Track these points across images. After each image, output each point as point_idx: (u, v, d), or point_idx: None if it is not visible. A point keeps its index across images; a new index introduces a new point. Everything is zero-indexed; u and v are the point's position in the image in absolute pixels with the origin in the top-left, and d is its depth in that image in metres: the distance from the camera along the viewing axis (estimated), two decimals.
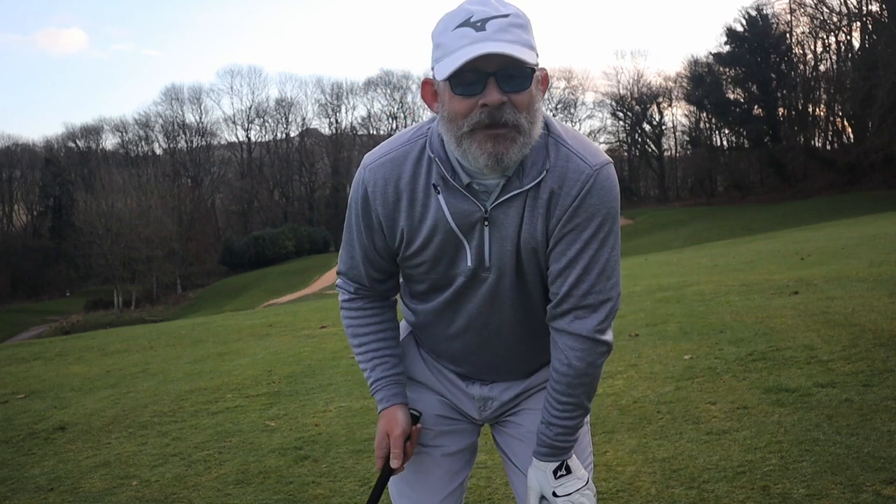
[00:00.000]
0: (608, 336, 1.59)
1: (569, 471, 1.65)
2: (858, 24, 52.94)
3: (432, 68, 1.47)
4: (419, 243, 1.59)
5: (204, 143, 76.20)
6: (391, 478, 1.87)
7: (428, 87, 1.52)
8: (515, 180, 1.51)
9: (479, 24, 1.40)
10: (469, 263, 1.59)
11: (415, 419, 1.73)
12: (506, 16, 1.41)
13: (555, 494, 1.64)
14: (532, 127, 1.46)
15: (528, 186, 1.51)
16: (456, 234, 1.56)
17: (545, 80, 1.53)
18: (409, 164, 1.57)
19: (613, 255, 1.56)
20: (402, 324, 1.87)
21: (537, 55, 1.45)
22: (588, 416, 1.77)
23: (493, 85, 1.40)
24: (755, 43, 56.61)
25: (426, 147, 1.56)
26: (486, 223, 1.54)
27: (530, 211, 1.53)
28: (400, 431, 1.66)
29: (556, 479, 1.64)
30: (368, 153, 1.64)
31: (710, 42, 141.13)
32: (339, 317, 1.81)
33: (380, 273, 1.71)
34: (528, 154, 1.50)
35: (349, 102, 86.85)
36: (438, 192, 1.54)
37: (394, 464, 1.65)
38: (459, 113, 1.44)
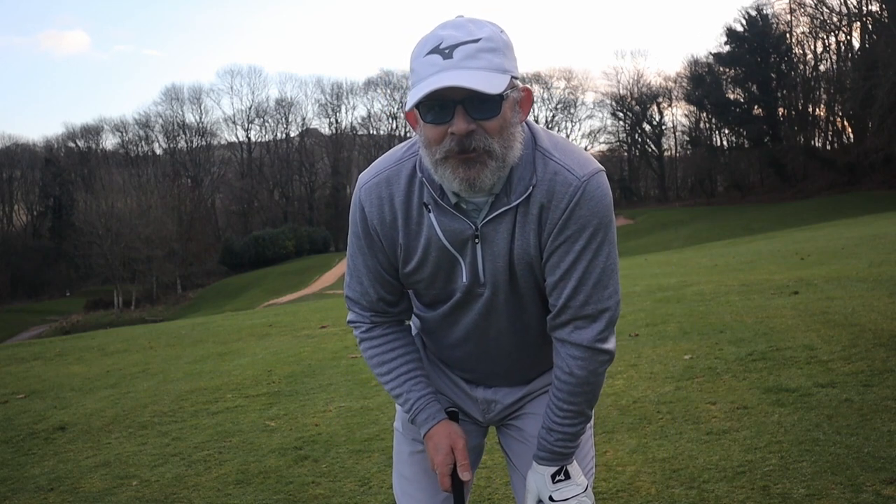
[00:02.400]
0: (609, 345, 1.58)
1: (567, 476, 1.64)
2: (858, 24, 52.96)
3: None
4: (417, 260, 1.60)
5: (204, 143, 76.25)
6: (395, 477, 1.87)
7: (411, 110, 1.52)
8: (503, 197, 1.51)
9: (447, 50, 1.38)
10: (464, 280, 1.59)
11: (454, 415, 1.71)
12: (476, 41, 1.39)
13: (551, 499, 1.63)
14: (507, 151, 1.45)
15: (516, 202, 1.51)
16: (450, 251, 1.57)
17: (527, 99, 1.50)
18: (403, 182, 1.57)
19: (609, 264, 1.54)
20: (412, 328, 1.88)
21: (515, 76, 1.44)
22: (591, 422, 1.78)
23: (461, 114, 1.39)
24: (755, 43, 56.59)
25: (416, 166, 1.56)
26: (477, 240, 1.55)
27: (521, 226, 1.53)
28: (464, 442, 1.65)
29: (553, 483, 1.64)
30: (363, 172, 1.64)
31: (710, 42, 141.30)
32: (340, 318, 1.81)
33: (391, 294, 1.69)
34: (515, 170, 1.50)
35: (349, 102, 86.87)
36: (430, 211, 1.55)
37: (466, 476, 1.64)
38: (432, 139, 1.44)
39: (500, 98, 1.40)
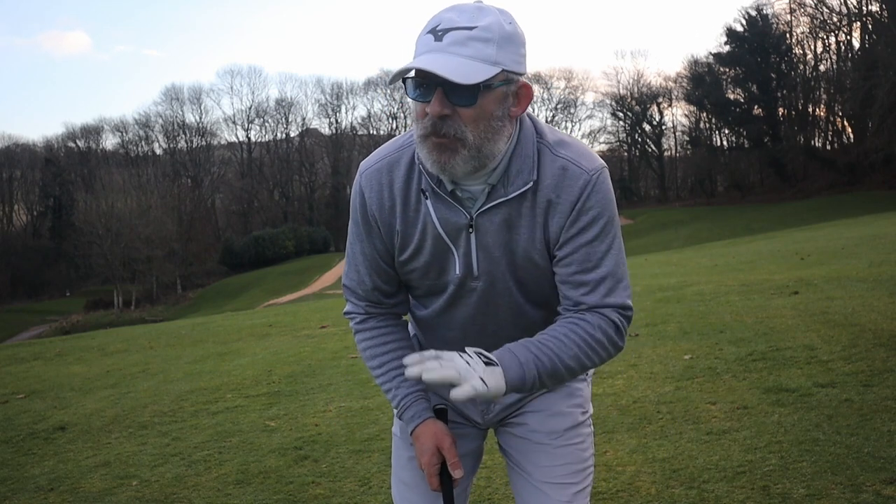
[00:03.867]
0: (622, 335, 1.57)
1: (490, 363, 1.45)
2: (858, 24, 52.99)
3: None
4: (413, 248, 1.60)
5: (204, 143, 76.21)
6: (394, 482, 1.86)
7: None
8: (500, 188, 1.52)
9: (440, 33, 1.40)
10: (457, 272, 1.59)
11: (443, 413, 1.69)
12: (471, 28, 1.39)
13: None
14: (483, 141, 1.44)
15: (513, 195, 1.51)
16: (444, 240, 1.57)
17: (525, 94, 1.49)
18: (402, 169, 1.58)
19: (620, 254, 1.56)
20: (409, 327, 1.87)
21: (511, 70, 1.43)
22: (590, 423, 1.78)
23: (439, 96, 1.41)
24: (755, 43, 56.63)
25: (416, 153, 1.56)
26: (471, 230, 1.55)
27: (528, 218, 1.53)
28: (451, 441, 1.62)
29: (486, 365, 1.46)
30: (365, 159, 1.65)
31: (710, 42, 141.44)
32: (340, 318, 1.81)
33: (387, 284, 1.69)
34: (513, 162, 1.51)
35: (349, 102, 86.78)
36: (427, 198, 1.55)
37: (458, 474, 1.60)
38: (417, 114, 1.47)
39: (476, 88, 1.40)
